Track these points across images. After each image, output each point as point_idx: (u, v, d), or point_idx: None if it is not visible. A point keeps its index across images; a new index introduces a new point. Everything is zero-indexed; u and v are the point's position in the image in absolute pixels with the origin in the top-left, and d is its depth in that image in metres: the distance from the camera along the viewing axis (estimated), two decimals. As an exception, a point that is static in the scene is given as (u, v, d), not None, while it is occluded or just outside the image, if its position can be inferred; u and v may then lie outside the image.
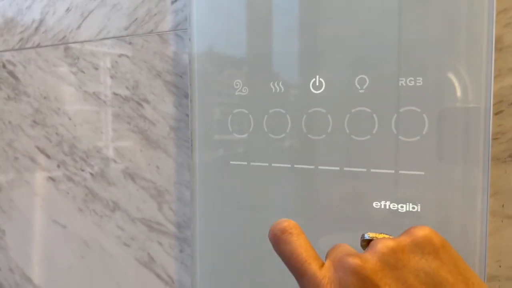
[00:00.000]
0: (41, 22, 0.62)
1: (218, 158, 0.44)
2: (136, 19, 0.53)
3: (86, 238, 0.60)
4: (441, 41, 0.34)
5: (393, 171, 0.36)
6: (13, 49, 0.65)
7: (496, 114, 0.36)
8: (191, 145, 0.46)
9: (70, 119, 0.60)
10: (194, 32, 0.45)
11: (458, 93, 0.34)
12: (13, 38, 0.65)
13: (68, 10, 0.59)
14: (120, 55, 0.55)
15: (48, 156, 0.63)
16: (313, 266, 0.25)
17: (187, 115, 0.50)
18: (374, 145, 0.36)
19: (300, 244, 0.27)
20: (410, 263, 0.23)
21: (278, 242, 0.28)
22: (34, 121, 0.64)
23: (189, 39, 0.45)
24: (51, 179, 0.63)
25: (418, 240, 0.24)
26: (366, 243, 0.26)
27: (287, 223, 0.28)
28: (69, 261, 0.62)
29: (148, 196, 0.54)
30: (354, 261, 0.23)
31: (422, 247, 0.24)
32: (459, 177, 0.34)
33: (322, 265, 0.25)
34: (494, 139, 0.36)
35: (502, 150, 0.36)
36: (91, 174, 0.59)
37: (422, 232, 0.24)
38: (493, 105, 0.36)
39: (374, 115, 0.36)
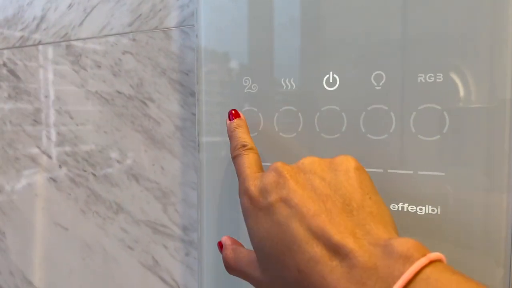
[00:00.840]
0: (42, 18, 0.60)
1: (226, 159, 0.43)
2: (140, 15, 0.52)
3: (89, 241, 0.59)
4: (464, 35, 0.32)
5: (411, 172, 0.34)
6: (13, 47, 0.64)
7: (519, 111, 0.34)
8: (198, 145, 0.45)
9: (72, 118, 0.59)
10: (201, 28, 0.43)
11: (481, 90, 0.32)
12: (14, 35, 0.63)
13: (70, 6, 0.58)
14: (124, 52, 0.53)
15: (49, 157, 0.61)
16: (249, 170, 0.32)
17: (193, 114, 0.49)
18: (392, 145, 0.35)
19: (249, 157, 0.34)
20: (322, 172, 0.28)
21: (235, 156, 0.35)
22: (35, 121, 0.62)
23: (196, 36, 0.44)
24: (53, 180, 0.61)
25: (336, 160, 0.29)
26: None
27: (248, 142, 0.35)
28: (71, 264, 0.61)
29: (153, 198, 0.53)
30: (278, 163, 0.29)
31: (337, 165, 0.28)
32: (482, 177, 0.32)
33: (259, 171, 0.33)
34: (517, 138, 0.35)
35: (526, 149, 0.35)
36: (94, 175, 0.57)
37: (343, 156, 0.29)
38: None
39: (392, 113, 0.35)
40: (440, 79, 0.33)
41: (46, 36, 0.60)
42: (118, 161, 0.55)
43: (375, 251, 0.22)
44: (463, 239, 0.33)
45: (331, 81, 0.37)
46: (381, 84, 0.35)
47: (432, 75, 0.33)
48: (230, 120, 0.38)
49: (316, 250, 0.24)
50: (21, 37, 0.63)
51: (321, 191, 0.26)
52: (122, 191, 0.55)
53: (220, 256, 0.43)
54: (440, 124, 0.33)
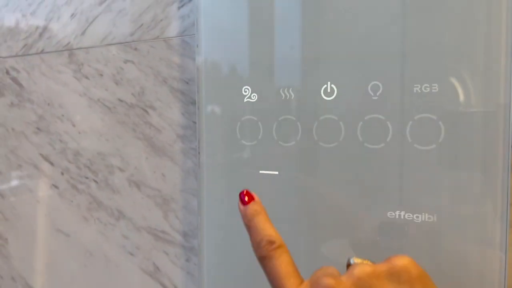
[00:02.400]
0: (45, 28, 0.61)
1: (226, 166, 0.43)
2: (142, 24, 0.52)
3: (90, 247, 0.59)
4: (457, 46, 0.33)
5: (410, 180, 0.35)
6: (16, 55, 0.65)
7: (514, 121, 0.35)
8: (199, 153, 0.45)
9: (74, 126, 0.59)
10: (202, 37, 0.44)
11: (476, 99, 0.33)
12: (17, 44, 0.64)
13: (73, 15, 0.58)
14: (126, 61, 0.54)
15: (51, 164, 0.62)
16: (289, 283, 0.27)
17: (194, 122, 0.49)
18: (388, 154, 0.35)
19: (282, 260, 0.28)
20: None
21: (263, 257, 0.29)
22: (38, 128, 0.63)
23: (197, 45, 0.45)
24: (55, 187, 0.62)
25: (395, 268, 0.25)
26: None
27: (275, 237, 0.29)
28: (72, 271, 0.61)
29: (154, 205, 0.53)
30: (328, 281, 0.25)
31: (398, 275, 0.24)
32: (477, 186, 0.33)
33: (301, 283, 0.27)
34: (512, 147, 0.35)
35: (520, 158, 0.35)
36: (96, 182, 0.58)
37: (400, 261, 0.25)
38: (511, 112, 0.35)
39: (388, 123, 0.35)
40: (435, 89, 0.34)
41: (49, 45, 0.61)
42: (119, 169, 0.56)
43: None
44: (459, 245, 0.34)
45: (328, 91, 0.37)
46: (378, 94, 0.35)
47: (428, 85, 0.34)
48: (244, 204, 0.32)
49: None
50: (24, 45, 0.64)
51: None
52: (124, 198, 0.56)
53: (221, 261, 0.44)
54: (435, 133, 0.34)
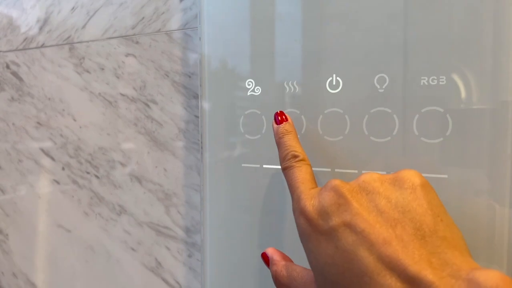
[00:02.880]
0: (45, 21, 0.61)
1: (229, 161, 0.43)
2: (143, 17, 0.52)
3: (92, 243, 0.59)
4: (466, 38, 0.32)
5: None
6: (17, 49, 0.64)
7: (522, 114, 0.35)
8: (201, 147, 0.45)
9: (75, 120, 0.59)
10: (204, 30, 0.43)
11: (485, 91, 0.32)
12: (17, 38, 0.64)
13: (73, 9, 0.58)
14: (127, 55, 0.53)
15: (52, 159, 0.62)
16: (303, 186, 0.30)
17: (196, 116, 0.49)
18: (394, 147, 0.35)
19: (301, 169, 0.31)
20: (386, 192, 0.25)
21: (286, 167, 0.32)
22: (38, 123, 0.62)
23: (199, 38, 0.44)
24: (56, 182, 0.62)
25: (400, 176, 0.26)
26: None
27: (300, 152, 0.32)
28: (74, 266, 0.61)
29: (156, 200, 0.53)
30: (336, 181, 0.27)
31: (402, 182, 0.26)
32: (485, 180, 0.32)
33: (314, 187, 0.30)
34: (520, 140, 0.35)
35: (528, 152, 0.35)
36: (97, 177, 0.58)
37: (406, 171, 0.26)
38: (519, 105, 0.34)
39: (395, 116, 0.35)
40: (443, 81, 0.33)
41: (50, 39, 0.60)
42: (121, 163, 0.55)
43: (457, 285, 0.20)
44: (466, 241, 0.33)
45: (334, 83, 0.37)
46: (384, 86, 0.35)
47: (435, 77, 0.33)
48: (277, 123, 0.35)
49: (390, 282, 0.21)
50: (25, 39, 0.63)
51: (389, 215, 0.24)
52: (125, 193, 0.55)
53: (224, 257, 0.44)
54: (443, 126, 0.33)
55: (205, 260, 0.45)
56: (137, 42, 0.53)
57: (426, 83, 0.33)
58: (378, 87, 0.35)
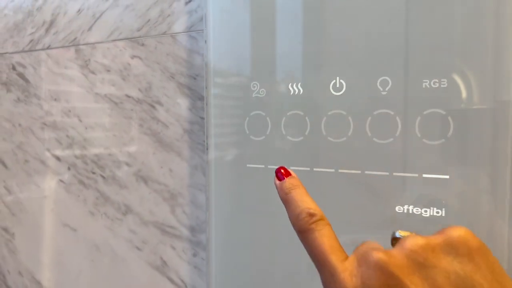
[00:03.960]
0: (51, 23, 0.61)
1: (234, 161, 0.44)
2: (149, 20, 0.53)
3: (97, 242, 0.60)
4: (466, 41, 0.33)
5: (416, 175, 0.35)
6: (23, 51, 0.65)
7: (522, 116, 0.35)
8: (207, 148, 0.45)
9: (81, 121, 0.60)
10: (210, 33, 0.44)
11: (485, 94, 0.33)
12: (23, 39, 0.65)
13: (79, 11, 0.59)
14: (133, 57, 0.54)
15: (58, 159, 0.63)
16: (335, 258, 0.25)
17: (201, 118, 0.50)
18: (397, 148, 0.36)
19: (324, 234, 0.26)
20: (441, 264, 0.22)
21: (303, 230, 0.27)
22: (44, 124, 0.63)
23: (205, 41, 0.45)
24: (62, 182, 0.62)
25: (452, 240, 0.22)
26: (396, 241, 0.25)
27: (315, 210, 0.27)
28: (79, 265, 0.62)
29: (161, 199, 0.54)
30: (379, 255, 0.22)
31: (456, 247, 0.22)
32: (485, 180, 0.33)
33: (346, 258, 0.25)
34: (520, 141, 0.36)
35: (528, 153, 0.35)
36: (103, 177, 0.58)
37: (457, 232, 0.22)
38: (519, 107, 0.35)
39: (397, 118, 0.35)
40: (444, 84, 0.34)
41: (55, 41, 0.61)
42: (126, 164, 0.56)
43: None
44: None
45: (337, 86, 0.38)
46: (387, 89, 0.36)
47: (437, 80, 0.34)
48: (280, 179, 0.31)
49: None
50: (31, 41, 0.64)
51: None
52: (131, 193, 0.56)
53: (229, 256, 0.44)
54: (444, 128, 0.34)
55: (210, 259, 0.46)
56: (142, 44, 0.53)
57: (428, 86, 0.34)
58: (381, 89, 0.36)
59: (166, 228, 0.54)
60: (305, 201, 0.28)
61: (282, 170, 0.31)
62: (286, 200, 0.29)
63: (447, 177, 0.34)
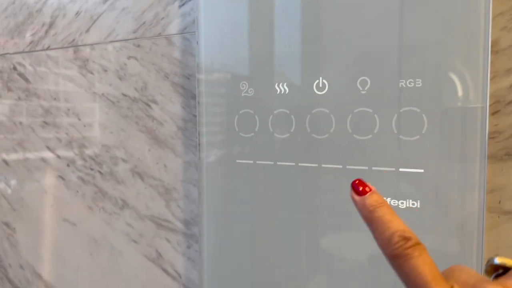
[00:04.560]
0: (51, 25, 0.64)
1: (225, 157, 0.46)
2: (144, 22, 0.55)
3: (96, 236, 0.62)
4: (440, 44, 0.35)
5: (393, 169, 0.37)
6: (23, 52, 0.67)
7: (493, 114, 0.38)
8: (199, 145, 0.48)
9: (79, 119, 0.62)
10: (201, 35, 0.46)
11: (456, 94, 0.35)
12: (24, 40, 0.67)
13: (77, 13, 0.61)
14: (129, 57, 0.56)
15: (58, 156, 0.65)
16: (440, 286, 0.22)
17: (194, 116, 0.52)
18: (376, 144, 0.38)
19: (424, 261, 0.23)
20: None
21: (396, 255, 0.24)
22: (45, 122, 0.66)
23: (197, 42, 0.47)
24: (61, 178, 0.65)
25: None
26: (493, 269, 0.24)
27: (409, 233, 0.24)
28: (78, 258, 0.64)
29: (156, 194, 0.56)
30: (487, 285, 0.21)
31: None
32: (457, 174, 0.35)
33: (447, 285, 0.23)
34: (491, 138, 0.38)
35: (499, 148, 0.38)
36: (101, 173, 0.61)
37: None
38: (490, 105, 0.38)
39: (375, 115, 0.38)
40: (419, 84, 0.36)
41: (55, 42, 0.63)
42: (123, 160, 0.58)
43: None
44: (440, 229, 0.36)
45: (320, 85, 0.40)
46: (366, 88, 0.38)
47: (412, 80, 0.36)
48: (359, 195, 0.27)
49: None
50: (31, 42, 0.66)
51: None
52: (128, 188, 0.58)
53: (221, 247, 0.47)
54: (419, 125, 0.36)
55: (203, 251, 0.48)
56: (138, 46, 0.56)
57: (404, 86, 0.37)
58: (361, 89, 0.38)
59: (161, 222, 0.56)
60: (395, 223, 0.25)
61: (361, 185, 0.28)
62: (371, 219, 0.26)
63: (422, 171, 0.36)
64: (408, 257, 0.23)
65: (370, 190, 0.27)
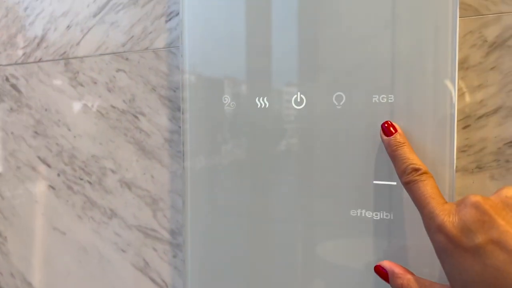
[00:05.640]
0: (43, 38, 0.65)
1: (208, 168, 0.47)
2: (133, 36, 0.56)
3: (85, 244, 0.63)
4: (410, 61, 0.37)
5: (369, 181, 0.39)
6: (16, 63, 0.68)
7: (463, 128, 0.39)
8: (183, 155, 0.49)
9: (69, 130, 0.63)
10: (185, 50, 0.48)
11: (427, 109, 0.36)
12: (16, 52, 0.68)
13: (68, 27, 0.62)
14: (118, 70, 0.58)
15: (48, 166, 0.66)
16: (435, 201, 0.29)
17: (180, 127, 0.53)
18: (352, 157, 0.39)
19: (428, 183, 0.30)
20: None
21: (408, 181, 0.31)
22: (36, 132, 0.67)
23: (181, 56, 0.48)
24: (52, 187, 0.66)
25: None
26: None
27: (420, 165, 0.31)
28: (68, 266, 0.65)
29: (144, 204, 0.57)
30: (476, 197, 0.27)
31: None
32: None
33: (445, 202, 0.29)
34: (463, 151, 0.39)
35: (469, 161, 0.39)
36: (90, 183, 0.62)
37: None
38: (461, 120, 0.39)
39: (351, 129, 0.39)
40: (391, 99, 0.37)
41: (46, 54, 0.65)
42: (112, 170, 0.59)
43: None
44: (413, 239, 0.38)
45: (298, 100, 0.41)
46: (341, 104, 0.39)
47: (385, 96, 0.38)
48: (386, 135, 0.35)
49: None
50: (23, 54, 0.67)
51: None
52: (116, 198, 0.59)
53: (204, 256, 0.48)
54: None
55: (187, 260, 0.49)
56: (127, 59, 0.57)
57: (377, 101, 0.38)
58: (336, 104, 0.40)
59: (149, 231, 0.57)
60: (410, 158, 0.32)
61: (388, 125, 0.35)
62: (393, 156, 0.33)
63: (395, 183, 0.38)
64: (415, 182, 0.30)
65: (396, 131, 0.34)
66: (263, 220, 0.44)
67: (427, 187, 0.30)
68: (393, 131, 0.34)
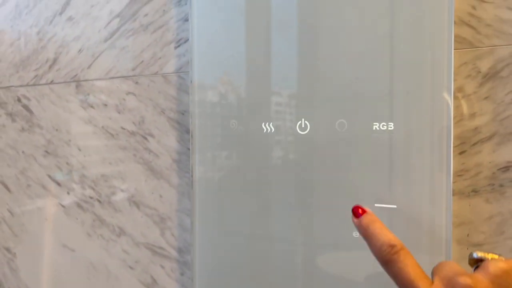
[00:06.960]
0: (55, 60, 0.68)
1: (216, 189, 0.49)
2: (142, 61, 0.59)
3: (93, 261, 0.65)
4: (409, 92, 0.39)
5: (371, 204, 0.41)
6: (28, 85, 0.71)
7: (460, 153, 0.41)
8: (191, 176, 0.51)
9: (80, 150, 0.65)
10: (195, 75, 0.50)
11: (424, 137, 0.39)
12: (28, 74, 0.71)
13: (80, 51, 0.65)
14: (128, 93, 0.60)
15: (58, 184, 0.68)
16: (422, 284, 0.26)
17: (188, 149, 0.55)
18: (354, 181, 0.41)
19: (408, 263, 0.28)
20: None
21: (386, 261, 0.29)
22: (46, 151, 0.69)
23: (191, 81, 0.51)
24: (61, 205, 0.68)
25: None
26: (474, 262, 0.27)
27: (395, 241, 0.29)
28: (77, 283, 0.67)
29: (152, 223, 0.59)
30: (466, 281, 0.24)
31: None
32: (426, 209, 0.39)
33: (431, 284, 0.26)
34: (459, 175, 0.41)
35: (465, 185, 0.41)
36: (99, 201, 0.64)
37: None
38: (457, 146, 0.41)
39: (353, 155, 0.41)
40: (391, 127, 0.40)
41: (58, 76, 0.67)
42: (121, 189, 0.61)
43: None
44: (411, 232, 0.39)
45: (303, 126, 0.44)
46: (343, 130, 0.42)
47: (385, 124, 0.40)
48: (357, 217, 0.33)
49: None
50: (35, 76, 0.70)
51: None
52: (125, 216, 0.61)
53: (211, 275, 0.49)
54: (392, 164, 0.40)
55: (195, 277, 0.51)
56: (136, 82, 0.59)
57: (377, 129, 0.40)
58: (339, 130, 0.42)
59: (156, 249, 0.59)
60: (384, 234, 0.30)
61: (359, 209, 0.33)
62: (366, 235, 0.31)
63: (395, 206, 0.40)
64: (395, 262, 0.28)
65: (365, 212, 0.33)
66: (270, 240, 0.46)
67: (409, 267, 0.27)
68: (361, 212, 0.33)
